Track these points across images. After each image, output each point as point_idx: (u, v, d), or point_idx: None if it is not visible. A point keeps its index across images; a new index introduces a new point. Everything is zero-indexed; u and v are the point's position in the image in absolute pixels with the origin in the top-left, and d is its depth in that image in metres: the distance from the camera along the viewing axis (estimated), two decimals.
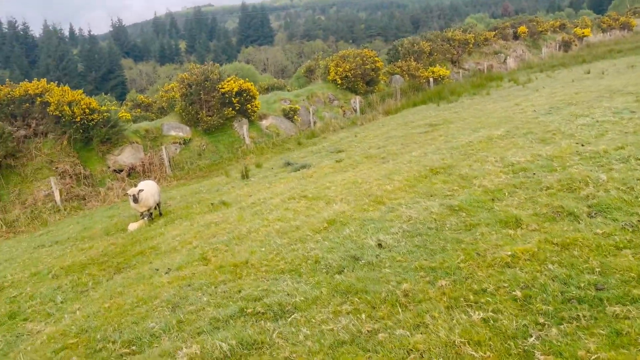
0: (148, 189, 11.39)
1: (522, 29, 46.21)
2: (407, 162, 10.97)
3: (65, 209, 15.93)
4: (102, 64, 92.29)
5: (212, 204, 11.64)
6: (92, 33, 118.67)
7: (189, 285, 6.40)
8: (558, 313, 4.00)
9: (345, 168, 12.84)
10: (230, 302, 5.54)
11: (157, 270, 7.58)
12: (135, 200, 10.84)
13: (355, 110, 28.17)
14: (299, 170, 14.95)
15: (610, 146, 8.56)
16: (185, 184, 18.03)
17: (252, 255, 6.98)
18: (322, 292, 5.14)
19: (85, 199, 16.81)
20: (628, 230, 5.26)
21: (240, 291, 5.86)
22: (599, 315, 3.88)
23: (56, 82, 19.01)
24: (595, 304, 4.03)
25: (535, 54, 45.20)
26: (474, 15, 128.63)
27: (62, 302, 7.37)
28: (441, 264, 5.13)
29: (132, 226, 11.17)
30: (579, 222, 5.68)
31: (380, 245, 6.10)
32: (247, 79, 22.86)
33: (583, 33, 50.55)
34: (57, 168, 17.31)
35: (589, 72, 25.72)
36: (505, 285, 4.50)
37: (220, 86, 21.44)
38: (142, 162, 19.04)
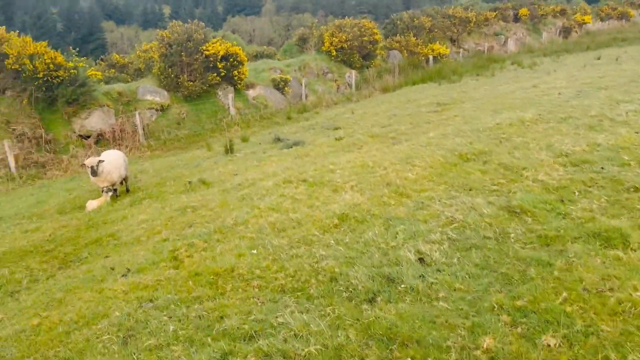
0: (111, 161, 9.45)
1: (524, 11, 44.41)
2: (425, 144, 9.22)
3: (20, 177, 13.83)
4: (82, 24, 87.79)
5: (189, 182, 9.75)
6: None
7: (151, 301, 4.60)
8: None
9: (348, 147, 11.04)
10: (208, 339, 3.77)
11: (113, 270, 5.76)
12: (94, 173, 8.90)
13: (350, 86, 26.23)
14: (291, 147, 13.10)
15: None
16: (160, 155, 16.01)
17: (239, 259, 5.20)
18: (348, 336, 3.41)
19: (44, 167, 14.70)
20: None
21: (222, 318, 4.10)
22: None
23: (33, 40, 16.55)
24: None
25: (536, 38, 43.58)
26: None
27: None
28: (532, 302, 3.44)
29: (91, 204, 9.24)
30: None
31: (422, 260, 4.38)
32: (235, 42, 20.65)
33: (583, 20, 49.03)
34: (13, 130, 15.10)
35: (599, 58, 24.20)
36: None
37: (204, 48, 19.23)
38: (113, 128, 16.90)
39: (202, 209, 7.73)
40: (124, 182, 10.40)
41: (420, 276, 4.11)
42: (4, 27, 16.53)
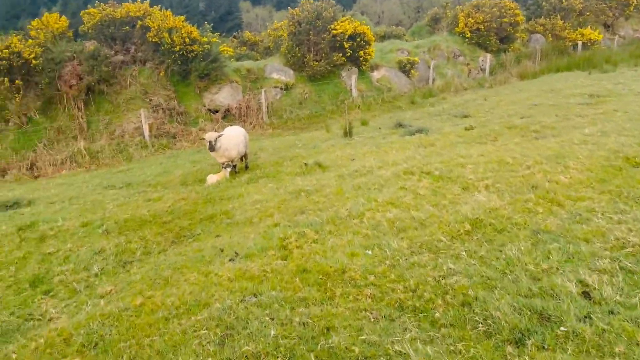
0: (232, 137, 9.39)
1: None
2: (580, 142, 7.78)
3: (152, 146, 14.69)
4: (221, 4, 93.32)
5: (305, 164, 9.38)
6: None
7: (255, 296, 4.18)
8: None
9: (481, 139, 9.87)
10: (311, 355, 3.22)
11: (222, 251, 5.50)
12: (212, 147, 8.90)
13: (484, 70, 24.22)
14: (414, 134, 12.18)
15: None
16: (280, 134, 16.03)
17: (352, 260, 4.58)
18: None
19: (175, 138, 15.48)
20: None
21: (329, 330, 3.52)
22: None
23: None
24: None
25: None
26: None
27: (96, 275, 5.60)
28: None
29: (211, 179, 9.29)
30: None
31: (587, 294, 3.38)
32: (363, 21, 19.94)
33: None
34: (150, 100, 16.11)
35: None
36: None
37: (332, 27, 18.82)
38: (239, 104, 17.30)
39: (315, 194, 7.26)
40: (243, 159, 10.38)
41: (586, 317, 3.13)
42: (148, 1, 17.58)
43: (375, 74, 21.15)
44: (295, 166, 9.64)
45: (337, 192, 7.14)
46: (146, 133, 14.77)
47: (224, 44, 20.35)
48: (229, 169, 9.37)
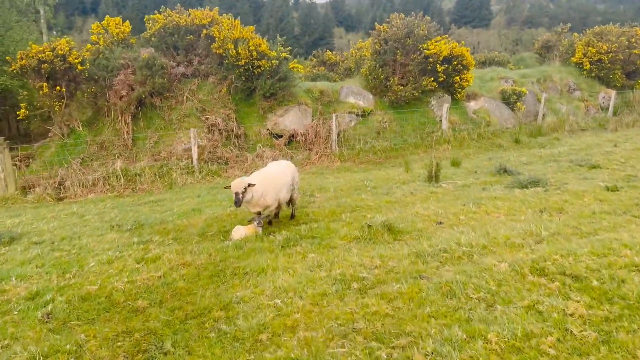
0: (271, 178, 6.81)
1: None
2: None
3: (200, 172, 12.56)
4: (315, 29, 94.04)
5: (368, 225, 6.52)
6: (313, 0, 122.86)
7: None
8: None
9: (638, 209, 6.48)
10: None
11: None
12: (237, 202, 6.31)
13: (605, 109, 20.05)
14: (526, 187, 8.94)
15: None
16: (350, 168, 13.28)
17: None
18: None
19: (227, 164, 13.28)
20: None
21: None
22: None
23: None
24: None
25: None
26: None
27: None
28: None
29: (237, 232, 6.70)
30: None
31: None
32: (462, 42, 16.87)
33: None
34: (206, 119, 14.10)
35: None
36: None
37: (424, 46, 15.95)
38: (307, 129, 14.86)
39: (375, 291, 4.40)
40: (290, 204, 7.74)
41: None
42: (217, 8, 15.82)
43: (472, 105, 17.88)
44: (356, 225, 6.82)
45: (413, 296, 4.23)
46: (194, 156, 12.68)
47: (294, 61, 18.12)
48: (258, 223, 6.71)
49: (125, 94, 13.51)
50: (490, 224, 6.50)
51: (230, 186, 6.48)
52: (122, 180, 11.75)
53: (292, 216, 7.74)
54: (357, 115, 15.86)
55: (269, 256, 5.78)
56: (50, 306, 4.68)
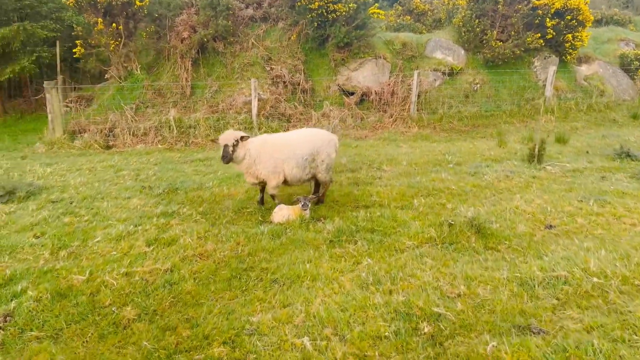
0: (271, 145, 5.43)
1: None
2: None
3: (259, 128, 11.26)
4: None
5: (449, 223, 4.84)
6: None
7: None
8: None
9: None
10: None
11: None
12: (225, 156, 5.15)
13: None
14: None
15: None
16: (429, 136, 11.40)
17: None
18: None
19: (289, 122, 11.88)
20: None
21: None
22: None
23: None
24: None
25: None
26: None
27: None
28: None
29: (279, 213, 5.30)
30: None
31: None
32: None
33: None
34: (271, 69, 12.66)
35: None
36: None
37: None
38: (382, 87, 13.01)
39: (457, 339, 2.82)
40: (319, 185, 6.17)
41: None
42: None
43: (583, 69, 15.02)
44: (431, 218, 5.17)
45: None
46: (254, 111, 11.37)
47: (376, 6, 15.97)
48: (306, 209, 5.22)
49: (186, 36, 12.33)
50: (627, 237, 4.59)
51: (218, 139, 5.16)
52: (175, 131, 10.72)
53: (319, 201, 6.08)
54: (444, 73, 13.70)
55: (310, 255, 4.33)
56: (14, 303, 3.57)
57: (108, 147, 10.30)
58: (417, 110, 12.59)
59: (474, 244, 4.54)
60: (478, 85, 13.81)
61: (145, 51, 12.49)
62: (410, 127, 12.03)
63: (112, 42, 11.52)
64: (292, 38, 13.24)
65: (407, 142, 10.69)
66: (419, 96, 12.71)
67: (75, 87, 12.28)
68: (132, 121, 10.82)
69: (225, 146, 5.09)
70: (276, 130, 11.30)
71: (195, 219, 5.41)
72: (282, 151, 5.42)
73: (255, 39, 13.11)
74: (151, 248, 4.54)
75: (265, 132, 11.09)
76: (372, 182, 6.97)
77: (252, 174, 5.40)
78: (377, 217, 5.26)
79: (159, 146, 10.36)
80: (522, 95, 13.95)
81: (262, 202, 5.89)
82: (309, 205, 5.25)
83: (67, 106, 11.13)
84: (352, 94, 13.03)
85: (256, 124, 11.31)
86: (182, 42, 12.31)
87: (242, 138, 5.17)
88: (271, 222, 5.29)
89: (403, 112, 12.44)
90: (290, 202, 5.60)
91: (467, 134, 11.87)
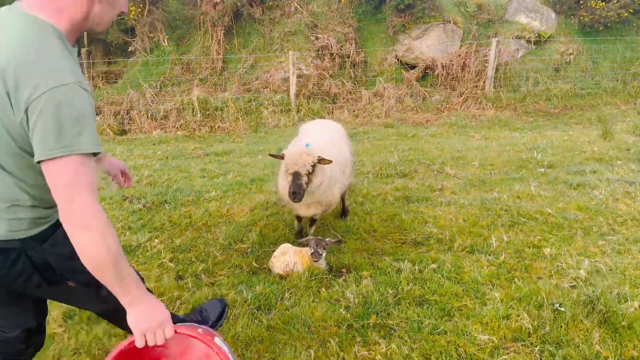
0: (338, 153, 3.58)
1: None
2: None
3: (298, 111, 9.47)
4: None
5: (555, 308, 2.83)
6: None
7: None
8: None
9: None
10: None
11: None
12: (298, 191, 3.26)
13: None
14: None
15: None
16: (508, 122, 9.08)
17: None
18: None
19: (335, 102, 9.97)
20: None
21: None
22: None
23: None
24: None
25: None
26: None
27: None
28: None
29: (282, 262, 3.48)
30: None
31: None
32: None
33: None
34: (317, 39, 10.70)
35: None
36: None
37: None
38: (451, 60, 10.71)
39: None
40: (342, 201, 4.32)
41: None
42: None
43: None
44: (521, 281, 3.17)
45: None
46: (292, 89, 9.55)
47: None
48: (318, 259, 3.37)
49: (220, 0, 10.62)
50: None
51: (282, 155, 3.36)
52: (199, 114, 9.15)
53: (344, 212, 4.32)
54: (529, 41, 11.14)
55: None
56: None
57: (122, 133, 8.93)
58: (494, 88, 10.23)
59: (596, 347, 2.56)
60: (571, 57, 11.12)
61: (173, 19, 10.92)
62: (484, 108, 9.74)
63: (132, 8, 10.02)
64: (342, 1, 11.17)
65: (480, 129, 8.48)
66: (496, 70, 10.30)
67: (102, 62, 10.98)
68: (152, 102, 9.36)
69: (296, 175, 3.28)
70: (318, 112, 9.45)
71: (161, 260, 3.73)
72: (338, 160, 3.72)
73: (299, 3, 11.16)
74: (62, 329, 2.91)
75: (305, 114, 9.29)
76: (429, 198, 4.99)
77: (325, 202, 3.66)
78: (432, 274, 3.35)
79: (178, 132, 8.84)
80: (628, 69, 11.14)
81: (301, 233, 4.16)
82: (323, 254, 3.39)
83: (89, 82, 9.83)
84: (413, 67, 10.86)
85: (294, 105, 9.51)
86: (214, 8, 10.62)
87: (320, 161, 3.35)
88: (270, 270, 3.52)
89: (476, 90, 10.13)
90: (297, 241, 3.79)
91: (557, 118, 9.42)
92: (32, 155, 1.42)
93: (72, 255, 1.45)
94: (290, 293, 3.19)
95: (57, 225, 1.66)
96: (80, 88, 1.41)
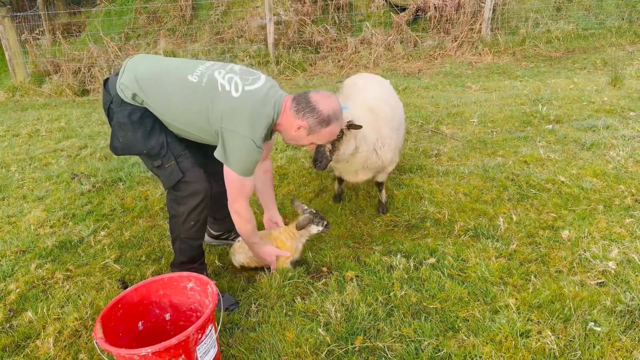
0: (389, 110, 3.13)
1: None
2: None
3: (277, 62, 8.61)
4: None
5: (590, 328, 2.26)
6: None
7: None
8: None
9: None
10: None
11: None
12: (321, 159, 2.82)
13: None
14: None
15: None
16: (507, 69, 8.32)
17: None
18: None
19: (317, 51, 9.09)
20: None
21: None
22: None
23: None
24: None
25: None
26: None
27: None
28: None
29: (240, 251, 2.86)
30: None
31: None
32: None
33: None
34: None
35: None
36: None
37: None
38: (445, 0, 9.75)
39: None
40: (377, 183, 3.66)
41: None
42: None
43: None
44: (538, 277, 2.59)
45: None
46: (270, 39, 8.63)
47: None
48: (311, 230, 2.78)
49: None
50: None
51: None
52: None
53: (383, 209, 3.63)
54: None
55: None
56: None
57: (84, 93, 8.07)
58: (492, 31, 9.37)
59: None
60: None
61: None
62: (481, 54, 8.94)
63: None
64: None
65: (477, 79, 7.73)
66: (494, 11, 9.41)
67: (64, 13, 9.90)
68: (115, 57, 8.44)
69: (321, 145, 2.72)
70: (300, 64, 8.62)
71: (105, 261, 3.10)
72: (394, 117, 3.27)
73: None
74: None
75: (285, 68, 8.46)
76: (424, 166, 4.35)
77: (373, 166, 3.16)
78: (430, 272, 2.76)
79: None
80: (634, 7, 10.27)
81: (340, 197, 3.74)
82: (327, 229, 2.84)
83: (37, 38, 8.84)
84: (404, 9, 9.91)
85: (273, 56, 8.63)
86: None
87: (350, 126, 2.70)
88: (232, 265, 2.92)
89: (472, 34, 9.28)
90: (293, 204, 3.15)
91: (559, 63, 8.67)
92: None
93: None
94: (258, 305, 2.60)
95: None
96: None
